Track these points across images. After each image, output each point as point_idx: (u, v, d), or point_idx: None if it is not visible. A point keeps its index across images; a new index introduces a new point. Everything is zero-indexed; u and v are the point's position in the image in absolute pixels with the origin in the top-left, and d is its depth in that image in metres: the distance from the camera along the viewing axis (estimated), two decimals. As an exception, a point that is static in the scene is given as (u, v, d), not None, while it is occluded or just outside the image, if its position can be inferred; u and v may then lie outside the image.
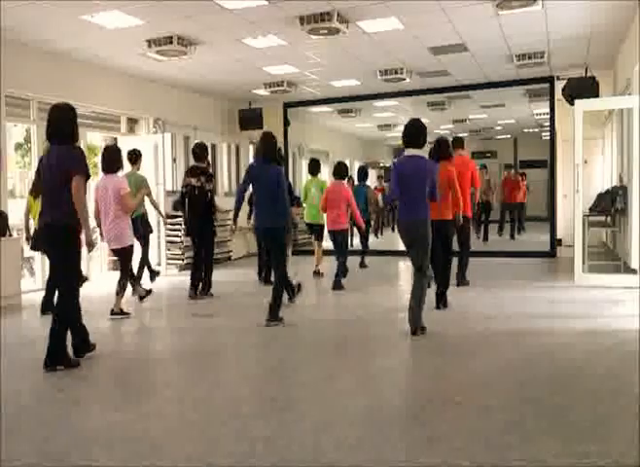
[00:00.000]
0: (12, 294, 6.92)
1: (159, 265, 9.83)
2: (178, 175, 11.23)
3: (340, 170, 8.13)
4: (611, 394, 3.63)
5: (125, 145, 10.00)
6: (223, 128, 12.49)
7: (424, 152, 5.33)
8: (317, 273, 8.73)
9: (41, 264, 8.07)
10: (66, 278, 4.41)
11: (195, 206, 7.22)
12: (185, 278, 8.65)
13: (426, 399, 3.65)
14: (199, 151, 7.46)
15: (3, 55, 7.58)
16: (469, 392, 3.75)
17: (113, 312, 6.14)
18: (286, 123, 12.81)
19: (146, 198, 7.33)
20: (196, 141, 8.02)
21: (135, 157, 7.83)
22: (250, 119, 12.32)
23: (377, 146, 19.66)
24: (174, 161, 11.01)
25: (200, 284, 7.37)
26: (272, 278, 7.90)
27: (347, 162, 8.77)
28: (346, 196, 7.86)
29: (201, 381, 4.12)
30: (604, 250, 10.71)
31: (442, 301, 6.23)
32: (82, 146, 8.85)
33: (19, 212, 7.10)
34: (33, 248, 6.64)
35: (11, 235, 7.16)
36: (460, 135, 9.61)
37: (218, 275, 8.97)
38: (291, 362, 4.59)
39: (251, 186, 5.85)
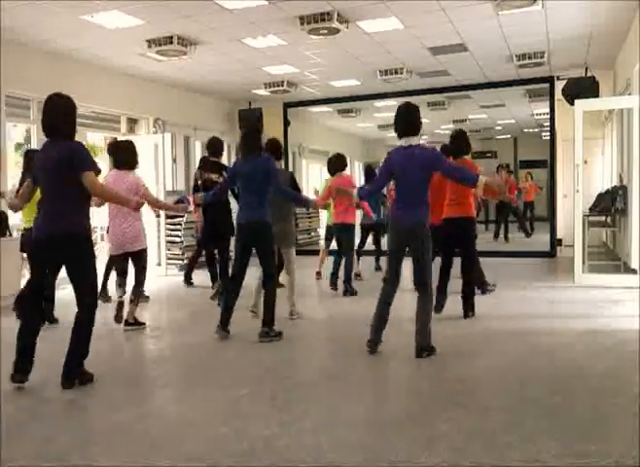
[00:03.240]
0: (12, 294, 6.91)
1: (159, 265, 9.83)
2: (178, 175, 11.25)
3: (330, 166, 7.77)
4: (611, 394, 3.63)
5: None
6: (223, 128, 12.50)
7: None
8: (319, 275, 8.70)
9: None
10: (93, 291, 4.02)
11: (216, 205, 6.44)
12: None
13: (426, 399, 3.66)
14: (217, 145, 6.95)
15: (3, 55, 7.58)
16: (469, 392, 3.75)
17: (127, 323, 5.67)
18: (286, 123, 12.82)
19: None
20: (213, 135, 7.48)
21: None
22: (250, 119, 12.32)
23: (377, 146, 19.67)
24: (174, 161, 11.02)
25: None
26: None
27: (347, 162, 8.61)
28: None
29: (201, 381, 4.12)
30: (604, 250, 10.71)
31: (469, 308, 5.78)
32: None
33: (19, 212, 7.07)
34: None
35: (11, 235, 7.16)
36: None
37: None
38: (291, 362, 4.59)
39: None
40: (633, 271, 7.53)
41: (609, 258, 9.50)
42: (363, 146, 19.71)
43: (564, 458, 2.72)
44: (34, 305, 4.09)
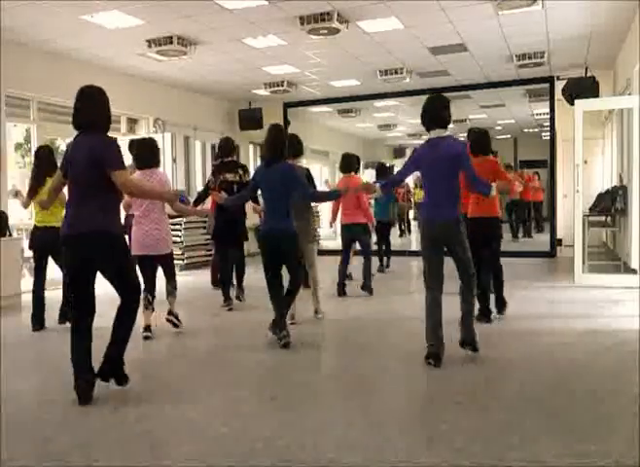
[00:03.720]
0: (12, 294, 6.92)
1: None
2: (178, 175, 11.25)
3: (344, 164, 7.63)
4: (611, 394, 3.63)
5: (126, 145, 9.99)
6: (223, 128, 12.49)
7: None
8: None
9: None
10: (135, 288, 3.82)
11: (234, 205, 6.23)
12: (185, 279, 8.65)
13: (426, 399, 3.65)
14: (228, 145, 6.82)
15: (3, 55, 7.58)
16: (469, 392, 3.74)
17: (177, 317, 5.52)
18: (286, 123, 12.82)
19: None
20: (223, 136, 7.44)
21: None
22: (250, 119, 12.32)
23: (377, 146, 19.67)
24: (174, 160, 11.01)
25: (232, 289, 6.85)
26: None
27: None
28: None
29: (201, 381, 4.12)
30: (604, 250, 10.71)
31: (501, 305, 5.79)
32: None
33: (19, 212, 7.08)
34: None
35: (11, 235, 7.16)
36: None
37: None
38: (291, 362, 4.59)
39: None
40: (633, 271, 7.53)
41: (609, 258, 9.50)
42: (363, 146, 19.70)
43: (564, 458, 2.72)
44: (78, 311, 3.80)
